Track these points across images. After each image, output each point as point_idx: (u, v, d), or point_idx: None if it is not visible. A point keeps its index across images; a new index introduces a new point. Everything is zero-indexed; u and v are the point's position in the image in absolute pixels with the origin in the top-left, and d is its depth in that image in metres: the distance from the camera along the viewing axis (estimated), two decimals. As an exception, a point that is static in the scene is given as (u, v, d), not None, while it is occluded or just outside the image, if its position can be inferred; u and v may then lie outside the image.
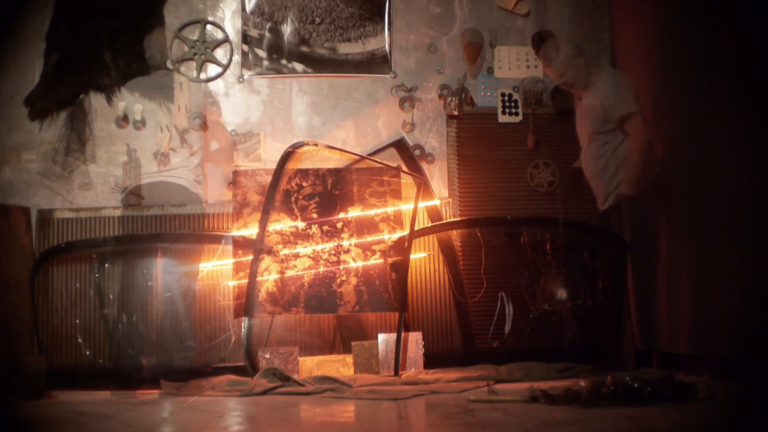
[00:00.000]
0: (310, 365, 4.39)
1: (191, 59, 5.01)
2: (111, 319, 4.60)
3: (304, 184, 4.72)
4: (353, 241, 4.60)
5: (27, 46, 4.93)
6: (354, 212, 4.67)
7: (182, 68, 5.00)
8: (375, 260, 4.56)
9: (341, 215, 4.66)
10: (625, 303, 4.65)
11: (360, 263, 4.55)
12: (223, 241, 4.60)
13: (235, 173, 4.81)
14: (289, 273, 4.51)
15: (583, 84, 4.56)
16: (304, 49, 5.06)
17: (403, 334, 4.42)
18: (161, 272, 4.64)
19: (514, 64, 5.09)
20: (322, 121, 5.06)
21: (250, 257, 4.50)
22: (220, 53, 5.05)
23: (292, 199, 4.68)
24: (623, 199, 4.57)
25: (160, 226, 4.78)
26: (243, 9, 5.06)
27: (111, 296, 4.63)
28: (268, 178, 4.70)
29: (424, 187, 4.77)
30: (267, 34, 5.05)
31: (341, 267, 4.54)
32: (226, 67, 5.03)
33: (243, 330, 4.46)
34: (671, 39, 4.28)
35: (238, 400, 3.74)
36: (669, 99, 4.30)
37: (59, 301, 4.63)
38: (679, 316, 4.15)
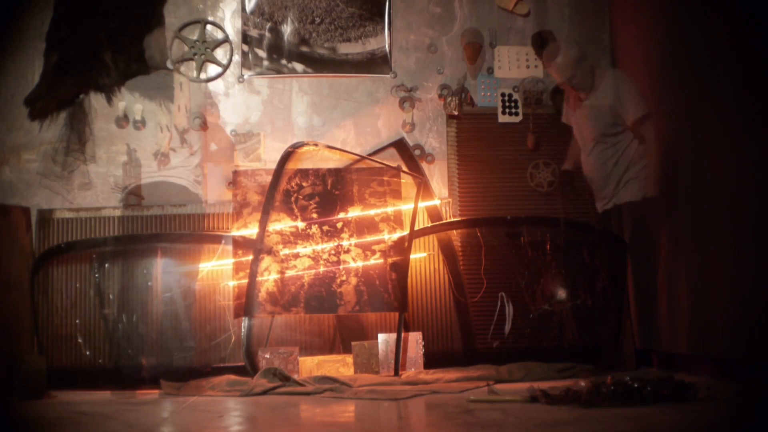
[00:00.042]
0: (310, 365, 4.39)
1: (191, 59, 5.01)
2: (111, 319, 4.60)
3: (304, 184, 4.72)
4: (353, 241, 4.60)
5: (27, 46, 4.93)
6: (354, 212, 4.67)
7: (182, 68, 5.00)
8: (375, 260, 4.56)
9: (341, 215, 4.66)
10: (625, 303, 4.65)
11: (360, 263, 4.55)
12: (223, 241, 4.60)
13: (235, 173, 4.81)
14: (289, 273, 4.51)
15: (589, 86, 4.51)
16: (304, 49, 5.06)
17: (403, 334, 4.42)
18: (161, 272, 4.64)
19: (514, 64, 5.09)
20: (322, 121, 5.06)
21: (250, 257, 4.50)
22: (220, 53, 5.05)
23: (292, 199, 4.68)
24: (629, 202, 4.54)
25: (160, 226, 4.78)
26: (243, 9, 5.06)
27: (111, 296, 4.63)
28: (268, 178, 4.70)
29: (424, 187, 4.77)
30: (267, 34, 5.06)
31: (341, 267, 4.54)
32: (226, 67, 5.03)
33: (243, 330, 4.46)
34: (671, 39, 4.28)
35: (238, 400, 3.74)
36: (669, 99, 4.29)
37: (59, 301, 4.63)
38: (679, 316, 4.15)
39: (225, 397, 3.87)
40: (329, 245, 4.58)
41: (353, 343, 4.44)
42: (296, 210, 4.65)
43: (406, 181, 4.81)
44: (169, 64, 4.98)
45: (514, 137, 5.02)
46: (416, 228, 4.64)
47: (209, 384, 4.12)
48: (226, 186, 4.94)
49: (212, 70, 5.04)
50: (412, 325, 4.72)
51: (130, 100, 4.97)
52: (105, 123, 4.96)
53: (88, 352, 4.58)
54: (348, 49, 5.07)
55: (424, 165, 4.99)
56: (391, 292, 4.50)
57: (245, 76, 5.04)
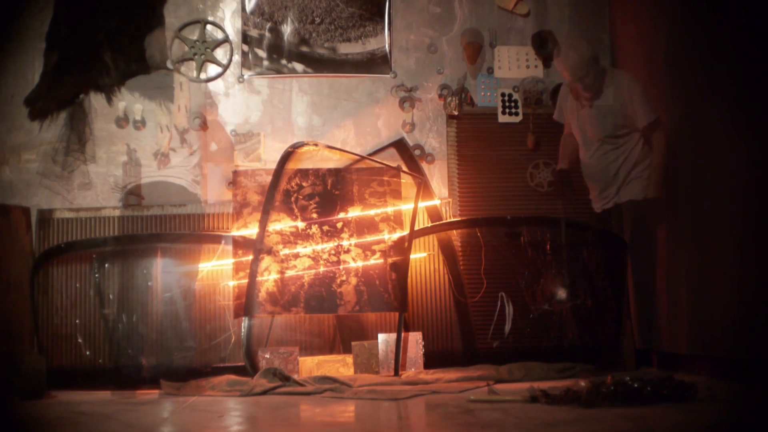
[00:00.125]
0: (310, 365, 4.39)
1: (191, 59, 5.01)
2: (111, 319, 4.60)
3: (304, 184, 4.72)
4: (353, 241, 4.60)
5: (27, 46, 4.93)
6: (354, 212, 4.67)
7: (182, 68, 5.00)
8: (375, 260, 4.56)
9: (341, 215, 4.66)
10: (625, 303, 4.65)
11: (360, 263, 4.55)
12: (223, 241, 4.60)
13: (235, 173, 4.81)
14: (289, 273, 4.51)
15: (599, 87, 4.47)
16: (304, 49, 5.06)
17: (403, 334, 4.42)
18: (161, 272, 4.64)
19: (514, 64, 5.09)
20: (322, 121, 5.06)
21: (250, 257, 4.50)
22: (220, 53, 5.05)
23: (292, 199, 4.68)
24: (630, 200, 4.53)
25: (160, 226, 4.78)
26: (243, 9, 5.06)
27: (111, 296, 4.63)
28: (268, 178, 4.70)
29: (424, 187, 4.77)
30: (267, 34, 5.06)
31: (341, 267, 4.54)
32: (226, 67, 5.03)
33: (243, 330, 4.46)
34: (671, 39, 4.28)
35: (238, 400, 3.74)
36: (669, 99, 4.29)
37: (59, 301, 4.63)
38: (679, 316, 4.15)
39: (225, 397, 3.87)
40: (329, 245, 4.58)
41: (353, 343, 4.44)
42: (296, 210, 4.65)
43: (406, 181, 4.81)
44: (169, 64, 4.98)
45: (514, 137, 5.02)
46: (416, 228, 4.64)
47: (209, 384, 4.12)
48: (226, 186, 4.94)
49: (212, 70, 5.04)
50: (412, 325, 4.71)
51: (130, 100, 4.97)
52: (105, 123, 4.96)
53: (88, 352, 4.58)
54: (348, 49, 5.07)
55: (424, 165, 4.99)
56: (391, 292, 4.50)
57: (245, 76, 5.04)
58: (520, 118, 5.02)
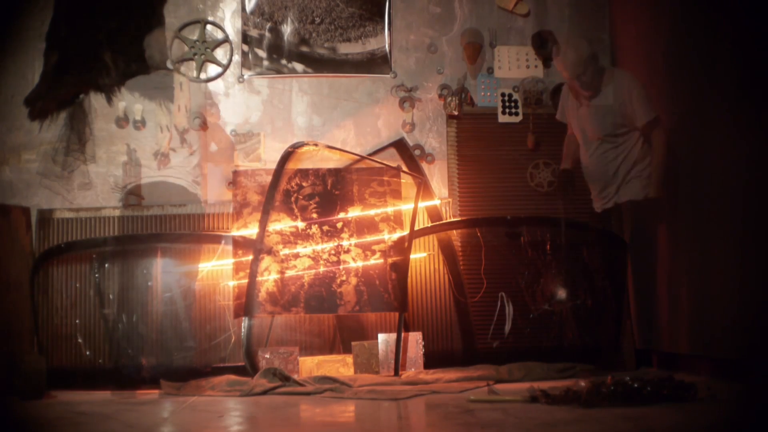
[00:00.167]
0: (310, 365, 4.39)
1: (191, 59, 5.01)
2: (111, 319, 4.60)
3: (304, 184, 4.72)
4: (353, 241, 4.60)
5: (27, 46, 4.93)
6: (354, 212, 4.67)
7: (182, 68, 5.00)
8: (375, 260, 4.56)
9: (341, 215, 4.66)
10: (625, 303, 4.65)
11: (360, 263, 4.55)
12: (223, 241, 4.60)
13: (235, 173, 4.81)
14: (289, 273, 4.51)
15: (597, 85, 4.47)
16: (304, 49, 5.06)
17: (403, 334, 4.42)
18: (161, 272, 4.64)
19: (514, 64, 5.09)
20: (322, 121, 5.06)
21: (250, 257, 4.50)
22: (220, 53, 5.05)
23: (292, 199, 4.68)
24: (630, 200, 4.53)
25: (160, 226, 4.78)
26: (243, 9, 5.06)
27: (111, 296, 4.63)
28: (268, 178, 4.70)
29: (424, 187, 4.77)
30: (267, 34, 5.06)
31: (341, 267, 4.54)
32: (226, 67, 5.03)
33: (243, 330, 4.46)
34: (671, 39, 4.28)
35: (238, 400, 3.74)
36: (669, 98, 4.29)
37: (59, 301, 4.63)
38: (679, 316, 4.15)
39: (225, 397, 3.87)
40: (329, 245, 4.58)
41: (353, 343, 4.44)
42: (296, 210, 4.65)
43: (406, 181, 4.81)
44: (169, 64, 4.98)
45: (514, 137, 5.02)
46: (416, 228, 4.64)
47: (209, 384, 4.12)
48: (226, 186, 4.94)
49: (212, 70, 5.04)
50: (412, 325, 4.71)
51: (130, 100, 4.97)
52: (105, 123, 4.96)
53: (88, 352, 4.58)
54: (348, 49, 5.07)
55: (424, 165, 4.99)
56: (391, 292, 4.50)
57: (245, 76, 5.04)
58: (520, 118, 5.02)
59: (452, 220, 4.86)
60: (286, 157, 4.75)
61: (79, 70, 4.83)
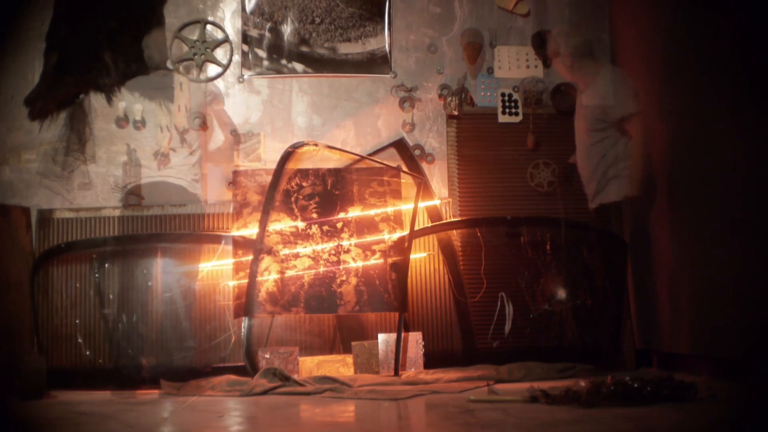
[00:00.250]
0: (310, 365, 4.39)
1: (191, 59, 5.01)
2: (111, 319, 4.60)
3: (304, 184, 4.72)
4: (353, 241, 4.60)
5: (27, 46, 4.93)
6: (354, 212, 4.67)
7: (182, 68, 5.00)
8: (375, 260, 4.56)
9: (341, 215, 4.66)
10: (625, 303, 4.65)
11: (360, 263, 4.55)
12: (223, 241, 4.60)
13: (235, 173, 4.81)
14: (289, 273, 4.51)
15: (589, 80, 4.50)
16: (304, 49, 5.06)
17: (403, 334, 4.42)
18: (161, 272, 4.64)
19: (514, 64, 5.09)
20: (322, 121, 5.06)
21: (250, 257, 4.50)
22: (220, 53, 5.05)
23: (292, 199, 4.68)
24: (613, 200, 4.56)
25: (160, 226, 4.78)
26: (243, 9, 5.06)
27: (111, 296, 4.63)
28: (268, 178, 4.70)
29: (424, 187, 4.77)
30: (267, 34, 5.06)
31: (341, 267, 4.54)
32: (226, 67, 5.03)
33: (243, 330, 4.46)
34: (671, 39, 4.28)
35: (238, 400, 3.74)
36: (669, 98, 4.29)
37: (59, 301, 4.63)
38: (679, 316, 4.15)
39: (225, 397, 3.87)
40: (329, 245, 4.58)
41: (353, 343, 4.44)
42: (296, 210, 4.65)
43: (406, 181, 4.81)
44: (169, 64, 4.98)
45: (514, 137, 5.01)
46: (416, 228, 4.64)
47: (209, 384, 4.12)
48: (226, 186, 4.94)
49: (212, 70, 5.04)
50: (412, 325, 4.71)
51: (130, 100, 4.97)
52: (105, 123, 4.96)
53: (88, 352, 4.58)
54: (348, 49, 5.07)
55: (424, 165, 4.99)
56: (391, 292, 4.50)
57: (245, 76, 5.04)
58: (520, 118, 5.01)
59: (452, 220, 4.86)
60: (286, 157, 4.75)
61: (79, 70, 4.83)
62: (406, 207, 4.71)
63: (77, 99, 4.93)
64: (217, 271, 4.67)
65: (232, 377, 4.21)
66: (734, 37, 3.61)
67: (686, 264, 4.10)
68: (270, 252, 4.53)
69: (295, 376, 4.21)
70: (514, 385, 3.91)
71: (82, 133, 4.92)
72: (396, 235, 4.62)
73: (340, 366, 4.41)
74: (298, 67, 5.05)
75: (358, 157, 4.89)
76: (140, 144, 4.96)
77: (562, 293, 4.64)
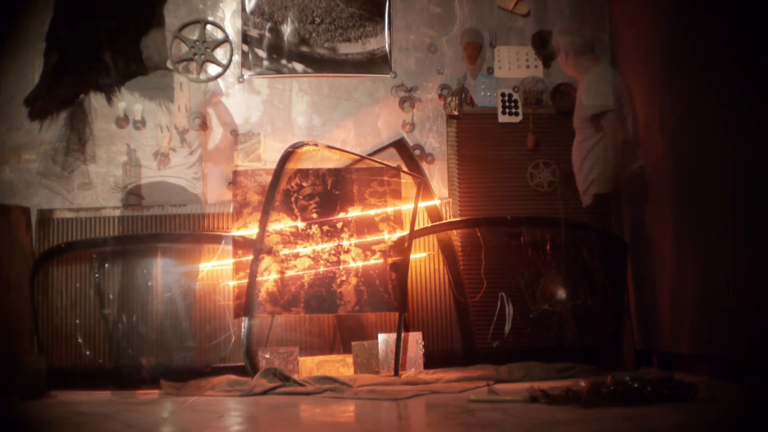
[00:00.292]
0: (310, 365, 4.39)
1: (191, 59, 5.01)
2: (111, 319, 4.60)
3: (304, 184, 4.72)
4: (353, 241, 4.60)
5: (27, 46, 4.93)
6: (354, 212, 4.67)
7: (182, 68, 5.00)
8: (375, 260, 4.56)
9: (341, 215, 4.66)
10: (625, 303, 4.65)
11: (360, 263, 4.55)
12: (223, 241, 4.60)
13: (235, 173, 4.81)
14: (289, 273, 4.51)
15: (583, 67, 4.54)
16: (304, 49, 5.06)
17: (403, 334, 4.42)
18: (161, 272, 4.64)
19: (514, 64, 5.09)
20: (322, 121, 5.06)
21: (250, 257, 4.50)
22: (220, 53, 5.05)
23: (292, 199, 4.68)
24: (598, 197, 4.59)
25: (160, 226, 4.78)
26: (243, 9, 5.06)
27: (111, 296, 4.63)
28: (268, 178, 4.70)
29: (424, 187, 4.77)
30: (267, 34, 5.06)
31: (341, 267, 4.54)
32: (226, 67, 5.03)
33: (243, 330, 4.46)
34: (671, 39, 4.28)
35: (238, 400, 3.74)
36: (669, 98, 4.30)
37: (59, 301, 4.63)
38: (679, 316, 4.15)
39: (225, 397, 3.87)
40: (329, 245, 4.58)
41: (353, 343, 4.44)
42: (296, 210, 4.65)
43: (406, 181, 4.81)
44: (169, 64, 4.98)
45: (514, 137, 5.01)
46: (416, 228, 4.64)
47: (209, 384, 4.12)
48: (226, 186, 4.94)
49: (212, 70, 5.04)
50: (412, 325, 4.71)
51: (130, 100, 4.97)
52: (105, 123, 4.96)
53: (88, 352, 4.58)
54: (348, 49, 5.07)
55: (424, 165, 4.99)
56: (391, 292, 4.50)
57: (245, 76, 5.04)
58: (520, 118, 5.01)
59: (452, 220, 4.86)
60: (286, 157, 4.75)
61: (79, 70, 4.83)
62: (406, 207, 4.71)
63: (77, 99, 4.93)
64: (217, 271, 4.67)
65: (232, 377, 4.21)
66: (733, 38, 3.61)
67: (686, 264, 4.10)
68: (270, 252, 4.53)
69: (295, 376, 4.21)
70: (514, 385, 3.91)
71: (82, 133, 4.92)
72: (396, 235, 4.62)
73: (340, 366, 4.41)
74: (298, 67, 5.05)
75: (358, 157, 4.89)
76: (140, 144, 4.96)
77: (562, 293, 4.64)
